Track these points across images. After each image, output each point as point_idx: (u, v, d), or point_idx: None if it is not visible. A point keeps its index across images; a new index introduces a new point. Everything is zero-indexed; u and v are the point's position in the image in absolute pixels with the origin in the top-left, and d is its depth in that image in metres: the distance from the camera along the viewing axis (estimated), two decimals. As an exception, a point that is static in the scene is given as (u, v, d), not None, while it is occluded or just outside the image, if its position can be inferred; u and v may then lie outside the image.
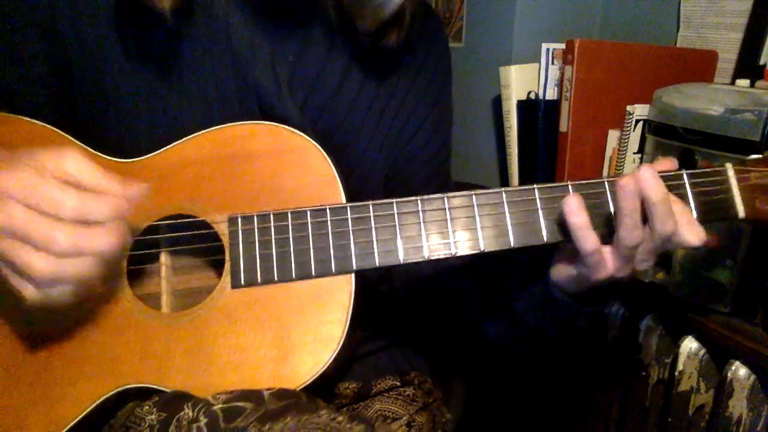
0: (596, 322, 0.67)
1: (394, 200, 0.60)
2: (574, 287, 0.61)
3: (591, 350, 1.07)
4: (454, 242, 0.59)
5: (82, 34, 0.63)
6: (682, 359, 0.87)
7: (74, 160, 0.49)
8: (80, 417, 0.58)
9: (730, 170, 0.60)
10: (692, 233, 0.56)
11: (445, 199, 0.60)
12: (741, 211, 0.60)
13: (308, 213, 0.59)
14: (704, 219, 0.59)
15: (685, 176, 0.60)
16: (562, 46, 1.08)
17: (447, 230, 0.59)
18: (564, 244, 0.60)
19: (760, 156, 0.61)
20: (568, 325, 0.68)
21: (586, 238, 0.56)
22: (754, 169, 0.60)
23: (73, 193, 0.47)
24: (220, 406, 0.53)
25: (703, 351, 0.87)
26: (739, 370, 0.81)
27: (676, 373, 0.88)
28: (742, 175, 0.60)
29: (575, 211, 0.56)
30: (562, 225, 0.59)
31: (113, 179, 0.50)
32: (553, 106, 1.14)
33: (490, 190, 0.60)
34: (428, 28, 0.75)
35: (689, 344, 0.88)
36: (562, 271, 0.61)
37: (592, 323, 0.66)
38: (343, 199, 0.61)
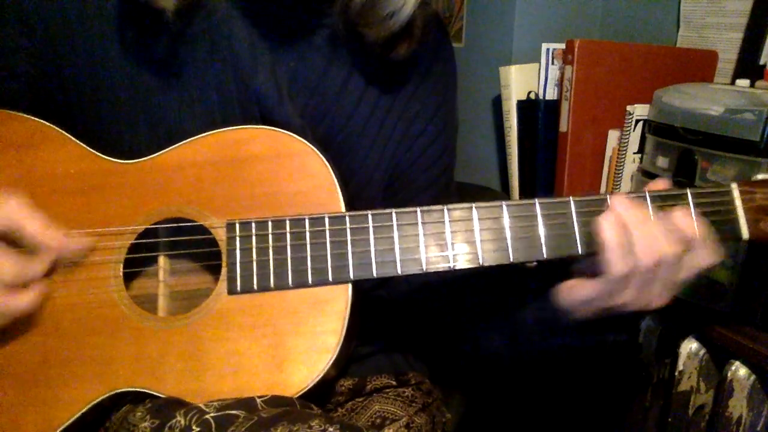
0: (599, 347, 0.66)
1: (393, 210, 0.59)
2: (583, 313, 0.59)
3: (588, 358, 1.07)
4: (453, 255, 0.58)
5: (74, 35, 0.63)
6: (682, 359, 0.87)
7: (18, 212, 0.55)
8: (74, 419, 0.58)
9: (735, 190, 0.59)
10: (706, 255, 0.55)
11: (445, 210, 0.59)
12: (745, 232, 0.58)
13: (306, 221, 0.59)
14: (708, 239, 0.57)
15: (689, 195, 0.58)
16: (562, 46, 1.08)
17: (446, 242, 0.58)
18: (583, 264, 0.58)
19: (766, 176, 0.60)
20: (571, 350, 0.67)
21: (617, 259, 0.54)
22: (760, 190, 0.58)
23: (11, 260, 0.54)
24: (212, 414, 0.52)
25: (703, 351, 0.87)
26: (739, 370, 0.81)
27: (676, 373, 0.88)
28: (747, 195, 0.58)
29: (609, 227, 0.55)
30: (564, 240, 0.58)
31: (52, 237, 0.57)
32: (553, 106, 1.14)
33: (491, 203, 0.59)
34: (434, 34, 0.74)
35: (689, 344, 0.87)
36: (576, 293, 0.58)
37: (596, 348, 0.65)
38: (343, 207, 0.60)
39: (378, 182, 0.74)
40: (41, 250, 0.56)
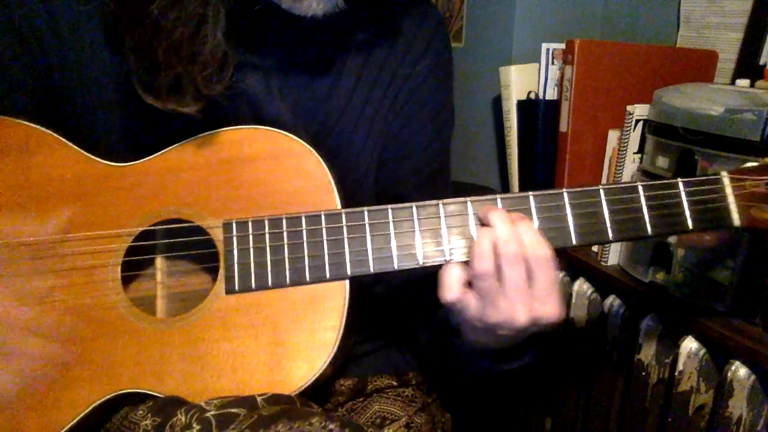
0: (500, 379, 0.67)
1: (389, 206, 0.59)
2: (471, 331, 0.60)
3: (589, 354, 1.07)
4: (449, 249, 0.59)
5: (65, 44, 0.63)
6: (682, 359, 0.87)
7: None
8: (75, 422, 0.58)
9: (725, 178, 0.60)
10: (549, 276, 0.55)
11: (440, 205, 0.59)
12: (736, 219, 0.59)
13: (303, 219, 0.59)
14: (700, 227, 0.59)
15: (680, 184, 0.59)
16: (562, 46, 1.08)
17: (442, 237, 0.59)
18: None
19: (756, 164, 0.60)
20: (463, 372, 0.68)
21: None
22: (750, 177, 0.59)
23: None
24: (213, 412, 0.53)
25: (703, 351, 0.87)
26: (739, 370, 0.81)
27: (676, 373, 0.88)
28: (738, 183, 0.59)
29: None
30: (558, 232, 0.59)
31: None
32: (553, 106, 1.14)
33: (485, 197, 0.59)
34: (428, 25, 0.74)
35: (689, 344, 0.87)
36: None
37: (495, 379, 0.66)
38: (339, 205, 0.61)
39: (372, 177, 0.73)
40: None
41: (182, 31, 0.56)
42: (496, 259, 0.55)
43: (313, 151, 0.61)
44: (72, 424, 0.58)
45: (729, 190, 0.59)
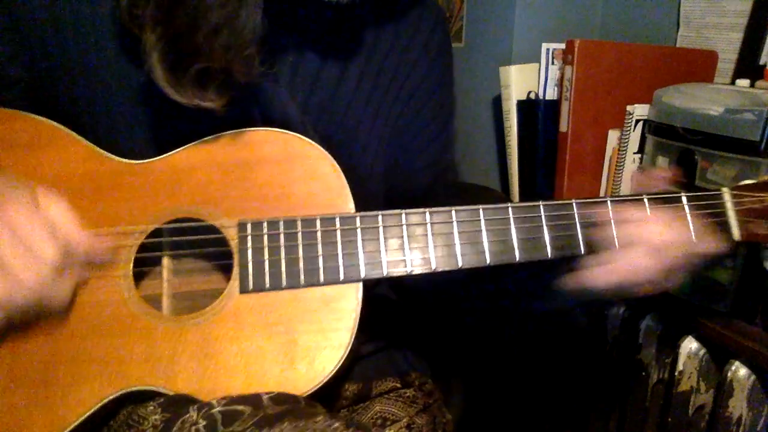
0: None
1: (402, 211, 0.60)
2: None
3: (589, 351, 1.07)
4: (461, 255, 0.60)
5: (68, 42, 0.62)
6: (682, 359, 0.88)
7: (59, 208, 0.55)
8: (82, 419, 0.57)
9: (726, 194, 0.63)
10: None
11: (453, 212, 0.61)
12: (736, 233, 0.63)
13: (318, 221, 0.60)
14: (702, 240, 0.62)
15: (684, 199, 0.62)
16: (562, 46, 1.08)
17: (454, 243, 0.60)
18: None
19: (754, 181, 0.64)
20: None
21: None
22: (748, 194, 0.63)
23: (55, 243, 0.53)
24: (219, 409, 0.53)
25: (703, 351, 0.87)
26: (739, 370, 0.81)
27: (676, 373, 0.88)
28: (738, 199, 0.63)
29: None
30: (568, 241, 0.61)
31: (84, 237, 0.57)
32: (553, 106, 1.14)
33: (497, 205, 0.61)
34: (429, 19, 0.74)
35: (689, 344, 0.88)
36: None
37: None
38: (352, 208, 0.61)
39: (379, 174, 0.74)
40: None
41: (222, 14, 0.54)
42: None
43: (328, 155, 0.61)
44: (79, 421, 0.57)
45: (729, 206, 0.63)
